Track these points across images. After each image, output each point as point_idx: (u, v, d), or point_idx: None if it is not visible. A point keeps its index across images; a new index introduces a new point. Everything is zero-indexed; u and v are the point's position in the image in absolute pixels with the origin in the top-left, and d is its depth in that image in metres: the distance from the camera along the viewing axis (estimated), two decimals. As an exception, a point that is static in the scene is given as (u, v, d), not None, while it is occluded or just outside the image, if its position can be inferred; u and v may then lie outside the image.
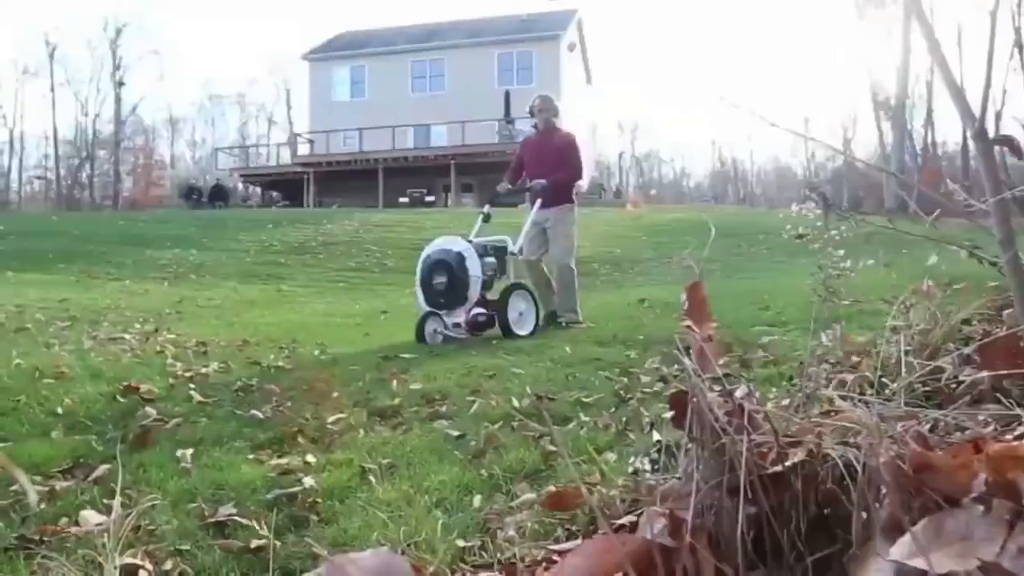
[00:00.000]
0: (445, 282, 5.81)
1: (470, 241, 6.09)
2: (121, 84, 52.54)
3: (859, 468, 0.90)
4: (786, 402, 1.81)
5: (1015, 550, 0.71)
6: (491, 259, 6.15)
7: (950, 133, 37.48)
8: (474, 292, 5.84)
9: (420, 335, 5.62)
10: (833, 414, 1.08)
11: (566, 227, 6.67)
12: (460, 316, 5.80)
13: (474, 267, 5.87)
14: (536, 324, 6.07)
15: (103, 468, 2.53)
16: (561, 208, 6.63)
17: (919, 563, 0.74)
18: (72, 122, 58.98)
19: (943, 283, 2.55)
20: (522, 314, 6.02)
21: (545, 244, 6.69)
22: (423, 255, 6.08)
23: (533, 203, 6.63)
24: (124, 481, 2.42)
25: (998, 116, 29.76)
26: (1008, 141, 1.13)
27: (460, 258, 5.87)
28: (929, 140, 35.35)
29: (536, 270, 6.63)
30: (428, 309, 5.81)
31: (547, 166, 6.62)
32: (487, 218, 6.67)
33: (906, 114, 32.11)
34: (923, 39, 1.16)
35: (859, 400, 1.10)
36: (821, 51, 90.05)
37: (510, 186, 6.93)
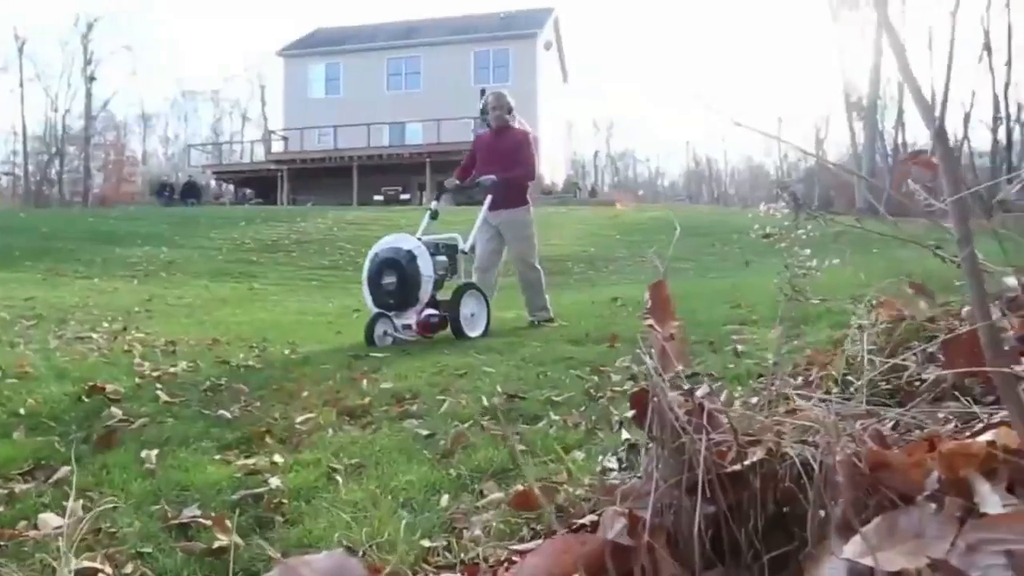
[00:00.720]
0: (395, 282, 5.57)
1: (420, 239, 5.86)
2: (92, 79, 51.84)
3: (816, 467, 0.91)
4: (755, 400, 1.82)
5: (963, 547, 0.72)
6: (442, 258, 5.91)
7: (921, 134, 37.92)
8: (425, 292, 5.62)
9: (369, 338, 5.38)
10: (793, 413, 1.08)
11: (523, 230, 6.49)
12: (411, 317, 5.56)
13: (426, 266, 5.64)
14: (487, 325, 5.87)
15: (65, 470, 2.48)
16: (515, 211, 6.43)
17: (872, 561, 0.74)
18: (41, 118, 58.13)
19: (910, 282, 2.58)
20: (474, 315, 5.80)
21: (500, 251, 6.50)
22: (371, 253, 5.85)
23: (485, 200, 6.39)
24: (86, 483, 2.39)
25: (967, 118, 30.24)
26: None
27: (411, 257, 5.63)
28: (900, 141, 35.79)
29: (487, 280, 6.36)
30: (376, 310, 5.58)
31: (499, 165, 6.36)
32: (435, 215, 6.42)
33: (878, 115, 32.50)
34: (890, 47, 1.17)
35: (819, 399, 1.10)
36: (796, 52, 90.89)
37: (458, 182, 6.64)
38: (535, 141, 6.87)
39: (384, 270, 5.64)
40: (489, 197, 6.28)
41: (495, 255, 6.49)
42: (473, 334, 5.66)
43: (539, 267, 6.48)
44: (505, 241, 6.48)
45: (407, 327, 5.53)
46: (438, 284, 5.82)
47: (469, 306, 5.78)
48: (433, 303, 5.71)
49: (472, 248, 6.21)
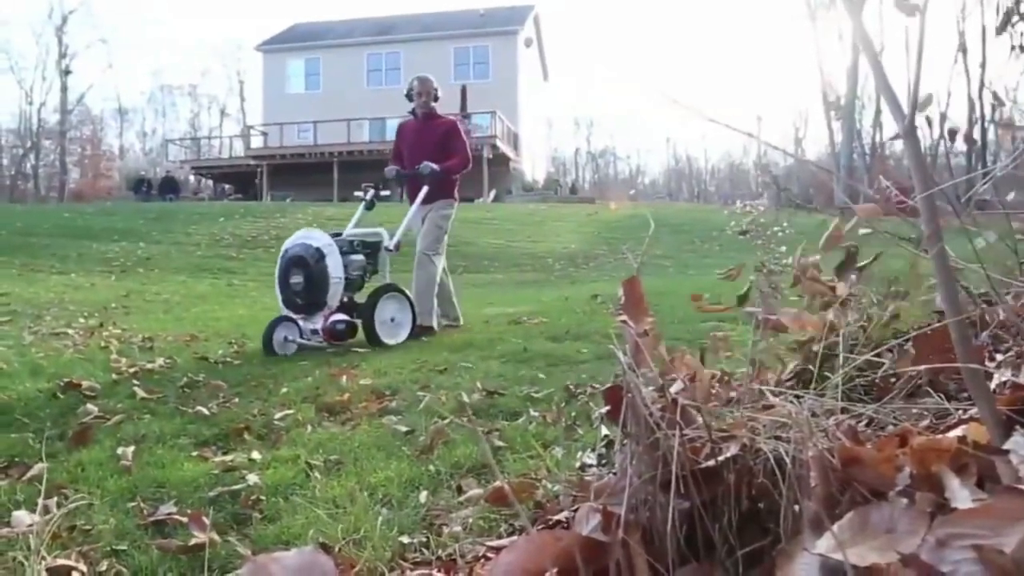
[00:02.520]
0: (302, 282, 5.06)
1: (339, 234, 5.42)
2: (67, 72, 51.19)
3: (789, 462, 0.91)
4: (731, 396, 1.83)
5: (934, 542, 0.72)
6: (358, 256, 5.39)
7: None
8: (334, 295, 5.09)
9: (267, 344, 4.87)
10: (767, 409, 1.09)
11: (441, 221, 5.93)
12: (319, 322, 5.05)
13: (334, 266, 5.10)
14: (412, 331, 5.39)
15: (39, 467, 2.45)
16: (443, 202, 5.95)
17: (843, 556, 0.74)
18: (16, 111, 57.58)
19: (887, 279, 2.60)
20: (394, 320, 5.32)
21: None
22: (283, 249, 5.33)
23: (414, 192, 5.92)
24: (62, 480, 2.37)
25: (943, 117, 30.48)
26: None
27: (319, 255, 5.08)
28: (878, 140, 36.09)
29: (438, 285, 5.88)
30: (284, 313, 5.11)
31: (427, 156, 5.84)
32: (370, 205, 6.03)
33: (855, 114, 32.75)
34: (861, 46, 1.18)
35: (792, 395, 1.11)
36: (775, 51, 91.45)
37: (398, 168, 6.08)
38: (464, 130, 6.30)
39: (291, 269, 5.13)
40: (425, 188, 5.83)
41: None
42: (392, 341, 5.20)
43: (436, 263, 5.81)
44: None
45: (315, 332, 5.05)
46: (355, 285, 5.38)
47: (388, 310, 5.31)
48: (348, 306, 5.28)
49: (398, 246, 5.65)
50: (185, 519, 1.96)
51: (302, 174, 31.54)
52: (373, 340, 5.12)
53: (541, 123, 40.78)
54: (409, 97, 6.10)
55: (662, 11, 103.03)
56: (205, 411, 3.26)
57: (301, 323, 5.06)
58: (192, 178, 37.84)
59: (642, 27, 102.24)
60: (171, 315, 7.78)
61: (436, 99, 6.06)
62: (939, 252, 0.97)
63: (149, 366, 4.36)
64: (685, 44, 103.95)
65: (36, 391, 3.58)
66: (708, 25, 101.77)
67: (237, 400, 3.51)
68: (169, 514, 2.04)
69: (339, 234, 5.44)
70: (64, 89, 51.13)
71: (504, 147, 30.79)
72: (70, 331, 5.82)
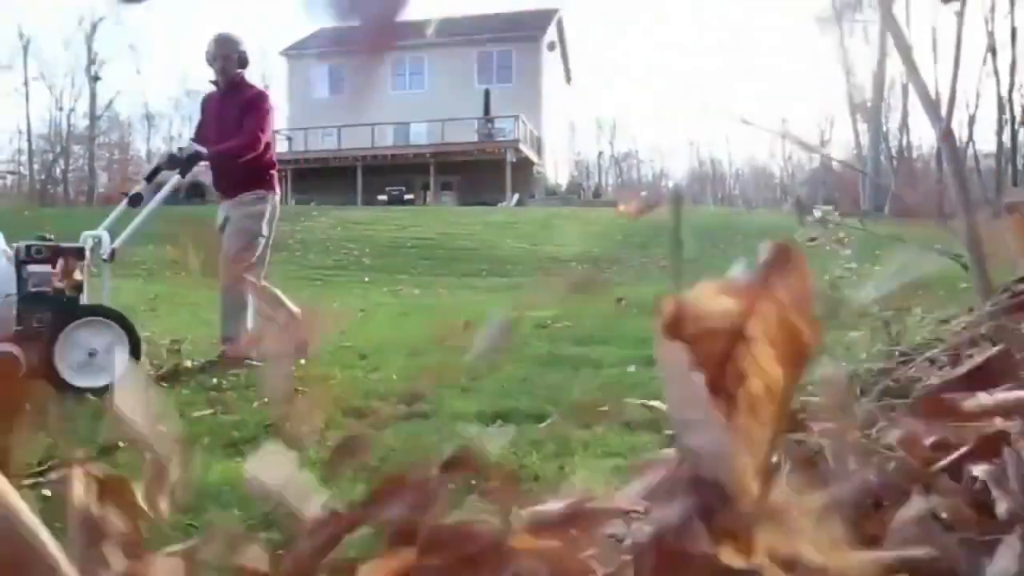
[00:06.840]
0: None
1: (46, 238, 4.16)
2: (96, 79, 51.85)
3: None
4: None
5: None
6: (41, 268, 3.98)
7: (925, 136, 37.85)
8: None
9: None
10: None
11: (247, 221, 4.77)
12: None
13: None
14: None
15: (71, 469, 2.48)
16: (246, 198, 4.81)
17: None
18: (46, 116, 58.50)
19: (916, 285, 2.58)
20: (94, 355, 3.84)
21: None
22: None
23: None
24: (92, 480, 2.39)
25: (972, 119, 30.21)
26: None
27: None
28: (904, 143, 35.74)
29: (265, 292, 4.25)
30: None
31: (229, 136, 4.73)
32: (136, 200, 4.81)
33: (882, 116, 32.46)
34: (896, 47, 1.17)
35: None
36: (800, 53, 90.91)
37: (172, 153, 5.05)
38: (269, 109, 4.94)
39: None
40: (176, 177, 4.74)
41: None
42: (87, 384, 3.67)
43: (246, 276, 4.68)
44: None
45: None
46: (49, 304, 3.92)
47: (84, 341, 3.88)
48: (37, 334, 3.83)
49: (113, 253, 4.52)
50: (215, 520, 1.98)
51: (326, 178, 31.77)
52: (54, 382, 3.65)
53: (564, 126, 40.79)
54: (208, 62, 4.94)
55: (688, 12, 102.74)
56: (233, 413, 3.29)
57: None
58: (218, 182, 38.22)
59: (666, 28, 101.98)
60: (198, 318, 7.84)
61: (242, 64, 4.90)
62: (977, 256, 0.96)
63: (177, 368, 4.40)
64: (711, 45, 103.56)
65: (66, 393, 3.62)
66: (734, 26, 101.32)
67: (264, 402, 3.53)
68: (198, 515, 2.05)
69: (46, 238, 4.18)
70: (93, 95, 51.79)
71: (527, 151, 30.84)
72: (99, 334, 5.89)
